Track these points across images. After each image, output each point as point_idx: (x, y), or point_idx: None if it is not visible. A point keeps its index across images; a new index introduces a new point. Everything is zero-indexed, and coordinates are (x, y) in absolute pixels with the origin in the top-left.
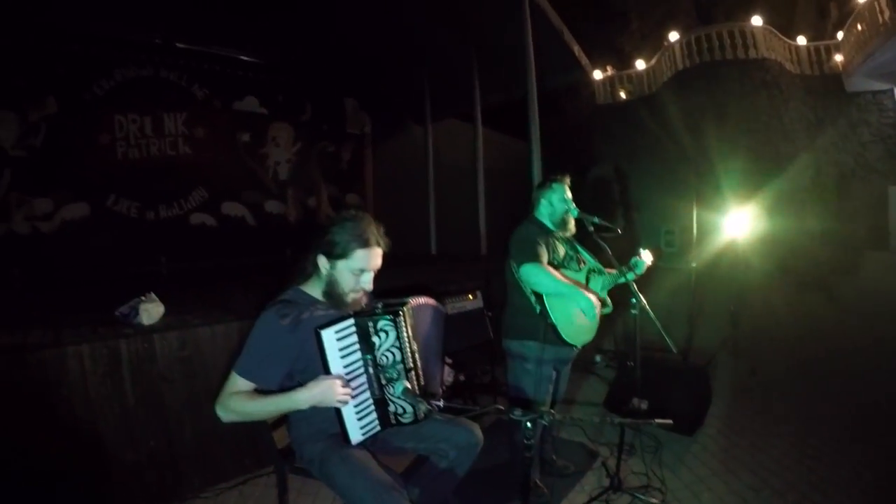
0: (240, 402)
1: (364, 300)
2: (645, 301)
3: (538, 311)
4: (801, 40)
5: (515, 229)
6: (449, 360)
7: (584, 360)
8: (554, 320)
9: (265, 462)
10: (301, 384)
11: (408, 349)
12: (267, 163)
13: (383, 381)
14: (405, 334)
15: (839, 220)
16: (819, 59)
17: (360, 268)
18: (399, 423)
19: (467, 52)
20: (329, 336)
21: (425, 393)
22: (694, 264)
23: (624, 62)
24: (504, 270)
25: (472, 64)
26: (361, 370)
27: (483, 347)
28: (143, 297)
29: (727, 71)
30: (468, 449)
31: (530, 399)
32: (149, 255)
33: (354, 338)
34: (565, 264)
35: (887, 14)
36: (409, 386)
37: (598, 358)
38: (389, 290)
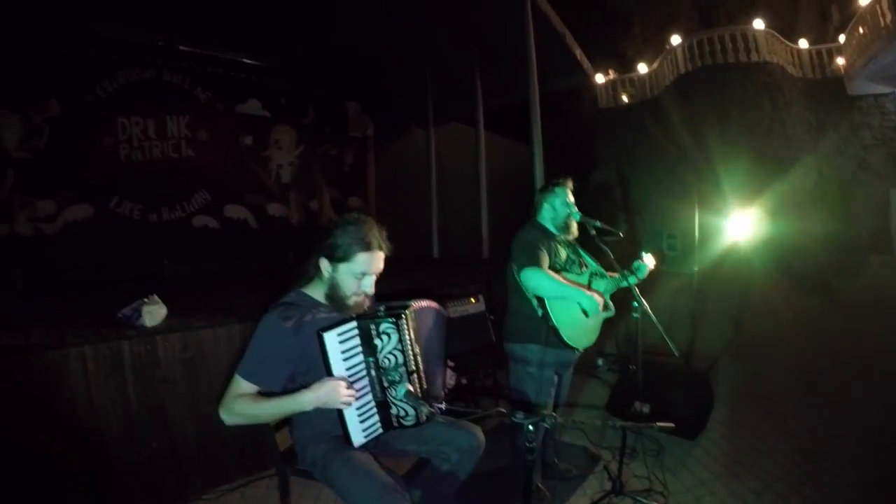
0: (244, 404)
1: (366, 303)
2: (647, 304)
3: (540, 314)
4: (803, 43)
5: (517, 233)
6: (451, 364)
7: (585, 363)
8: (556, 323)
9: (267, 464)
10: (303, 386)
11: (410, 352)
12: (269, 166)
13: (385, 384)
14: (407, 337)
15: (841, 223)
16: (821, 63)
17: (362, 271)
18: (401, 426)
19: (469, 56)
20: (332, 339)
21: (427, 396)
22: (696, 268)
23: (626, 66)
24: (505, 274)
25: (474, 67)
26: (364, 373)
27: (485, 351)
28: (145, 299)
29: (729, 74)
30: (470, 452)
31: (532, 402)
32: (151, 257)
33: (357, 340)
34: (567, 268)
35: (889, 17)
36: (411, 389)
37: (599, 361)
38: (392, 293)
